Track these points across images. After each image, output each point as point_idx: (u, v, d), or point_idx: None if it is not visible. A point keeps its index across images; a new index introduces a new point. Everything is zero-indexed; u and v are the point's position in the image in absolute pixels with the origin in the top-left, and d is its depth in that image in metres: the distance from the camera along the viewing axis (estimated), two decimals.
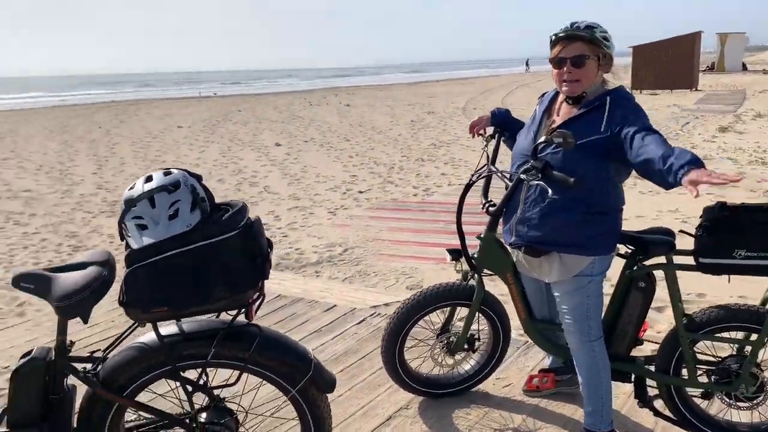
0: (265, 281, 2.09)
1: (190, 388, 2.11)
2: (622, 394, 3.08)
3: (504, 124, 3.02)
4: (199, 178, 2.01)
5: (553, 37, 2.52)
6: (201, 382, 2.11)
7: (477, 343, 3.09)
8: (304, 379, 2.13)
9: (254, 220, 2.01)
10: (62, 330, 2.01)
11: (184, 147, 15.24)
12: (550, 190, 2.47)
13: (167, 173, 1.95)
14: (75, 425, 2.14)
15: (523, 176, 2.56)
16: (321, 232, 7.19)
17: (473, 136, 3.07)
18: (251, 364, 2.08)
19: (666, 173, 2.11)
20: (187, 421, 2.15)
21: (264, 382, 2.18)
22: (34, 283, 1.93)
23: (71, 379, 2.11)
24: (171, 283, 1.87)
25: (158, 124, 20.96)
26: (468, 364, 3.18)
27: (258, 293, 2.06)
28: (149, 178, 1.93)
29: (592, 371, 2.63)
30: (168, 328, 2.08)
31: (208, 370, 2.16)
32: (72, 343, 2.09)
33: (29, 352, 2.04)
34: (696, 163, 2.05)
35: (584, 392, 2.68)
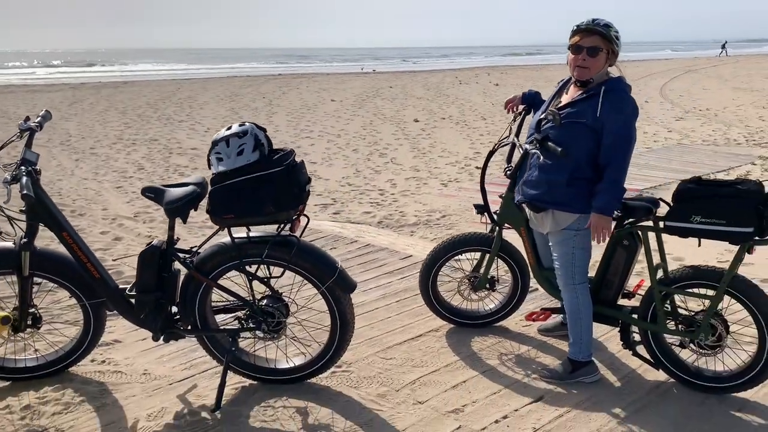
0: (308, 212, 2.91)
1: (251, 278, 3.00)
2: (615, 338, 3.57)
3: (532, 103, 3.59)
4: (264, 130, 2.87)
5: (575, 28, 3.06)
6: (260, 274, 3.00)
7: (497, 285, 3.72)
8: (330, 280, 2.94)
9: (298, 162, 2.83)
10: (171, 227, 2.98)
11: (332, 119, 16.59)
12: (542, 157, 3.05)
13: (242, 125, 2.82)
14: (178, 298, 3.12)
15: (526, 146, 3.16)
16: (428, 200, 7.94)
17: (508, 112, 3.66)
18: (292, 264, 2.93)
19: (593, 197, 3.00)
20: (251, 302, 3.05)
21: (305, 282, 3.02)
22: (153, 193, 2.91)
23: (176, 265, 3.09)
24: (236, 198, 2.76)
25: (314, 97, 22.69)
26: (492, 303, 3.83)
27: (299, 213, 2.89)
28: (229, 128, 2.81)
29: (573, 308, 3.19)
30: (239, 233, 2.98)
31: (274, 273, 3.04)
32: (178, 238, 3.06)
33: (151, 242, 3.04)
34: (602, 210, 2.97)
35: (569, 326, 3.25)
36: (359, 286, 4.50)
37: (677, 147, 11.39)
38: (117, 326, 3.88)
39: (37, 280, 3.15)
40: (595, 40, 2.96)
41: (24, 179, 2.76)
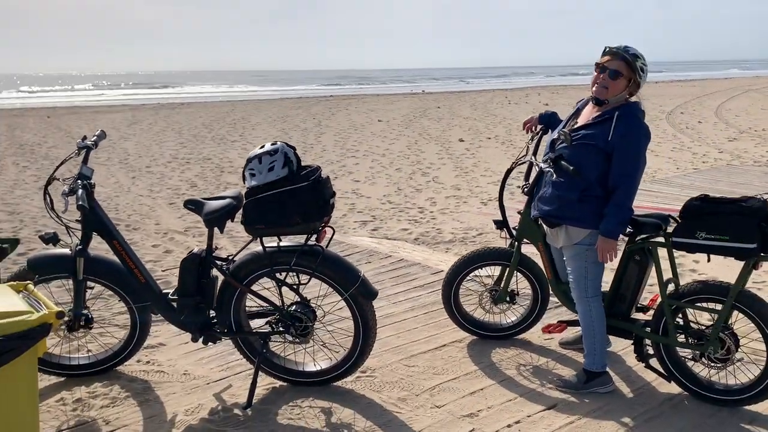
0: (332, 225, 3.15)
1: (280, 285, 3.25)
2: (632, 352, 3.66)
3: (549, 123, 3.75)
4: (293, 148, 3.13)
5: (607, 49, 3.22)
6: (289, 281, 3.24)
7: (517, 298, 3.86)
8: (353, 287, 3.16)
9: (324, 178, 3.08)
10: (210, 237, 3.26)
11: (377, 139, 16.93)
12: (555, 175, 3.21)
13: (273, 144, 3.09)
14: (215, 302, 3.39)
15: (541, 164, 3.33)
16: (466, 218, 8.10)
17: (526, 132, 3.82)
18: (317, 272, 3.16)
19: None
20: (280, 307, 3.29)
21: (330, 289, 3.25)
22: (194, 205, 3.20)
23: (214, 272, 3.36)
24: (266, 210, 3.01)
25: (362, 118, 23.13)
26: (513, 315, 3.97)
27: (324, 225, 3.12)
28: (262, 146, 3.08)
29: (586, 321, 3.32)
30: (270, 243, 3.23)
31: (302, 280, 3.28)
32: (217, 247, 3.34)
33: (192, 250, 3.32)
34: (608, 233, 3.13)
35: (583, 338, 3.37)
36: (389, 299, 4.73)
37: (726, 168, 11.24)
38: (162, 331, 4.18)
39: (90, 284, 3.48)
40: (620, 66, 3.12)
41: (80, 192, 3.09)
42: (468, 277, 3.89)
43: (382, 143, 16.04)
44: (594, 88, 3.21)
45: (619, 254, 3.33)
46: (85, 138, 3.40)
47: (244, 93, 49.26)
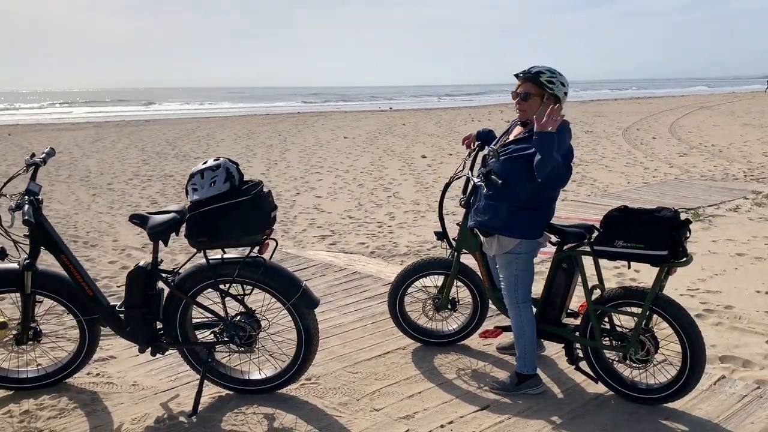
0: (279, 240, 3.28)
1: (224, 296, 3.37)
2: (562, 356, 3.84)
3: (485, 140, 3.95)
4: (236, 164, 3.26)
5: (515, 76, 3.44)
6: (235, 293, 3.36)
7: (458, 306, 4.04)
8: (294, 297, 3.29)
9: (265, 192, 3.22)
10: (155, 250, 3.37)
11: (342, 155, 17.11)
12: (485, 188, 3.41)
13: (216, 160, 3.22)
14: (161, 314, 3.48)
15: (474, 179, 3.52)
16: (422, 231, 8.29)
17: (466, 148, 4.00)
18: (260, 282, 3.29)
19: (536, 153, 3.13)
20: (225, 318, 3.41)
21: (273, 299, 3.37)
22: (139, 219, 3.31)
23: (161, 285, 3.47)
24: (208, 224, 3.14)
25: (328, 135, 23.32)
26: (455, 323, 4.14)
27: (266, 237, 3.26)
28: (205, 162, 3.21)
29: (517, 325, 3.51)
30: (213, 256, 3.35)
31: (248, 292, 3.40)
32: (161, 260, 3.45)
33: (138, 263, 3.42)
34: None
35: (515, 342, 3.55)
36: (340, 309, 4.87)
37: (674, 182, 11.64)
38: (114, 344, 4.24)
39: (39, 298, 3.55)
40: (528, 87, 3.34)
41: (26, 207, 3.18)
42: (412, 286, 4.06)
43: (347, 159, 16.22)
44: (517, 114, 3.43)
45: (548, 263, 3.52)
46: (33, 155, 3.49)
47: (211, 110, 49.12)
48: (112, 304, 3.53)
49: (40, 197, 3.38)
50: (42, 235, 3.37)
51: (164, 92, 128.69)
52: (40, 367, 3.70)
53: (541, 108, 3.25)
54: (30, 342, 3.57)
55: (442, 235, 3.93)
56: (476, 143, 3.98)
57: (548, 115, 3.10)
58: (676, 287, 5.70)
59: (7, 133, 24.49)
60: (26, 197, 3.26)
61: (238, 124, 29.75)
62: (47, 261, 4.37)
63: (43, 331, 3.66)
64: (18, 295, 3.46)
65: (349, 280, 5.64)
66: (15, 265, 3.43)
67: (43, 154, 3.53)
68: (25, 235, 3.41)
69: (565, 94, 3.37)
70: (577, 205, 9.58)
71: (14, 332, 3.52)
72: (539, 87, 3.33)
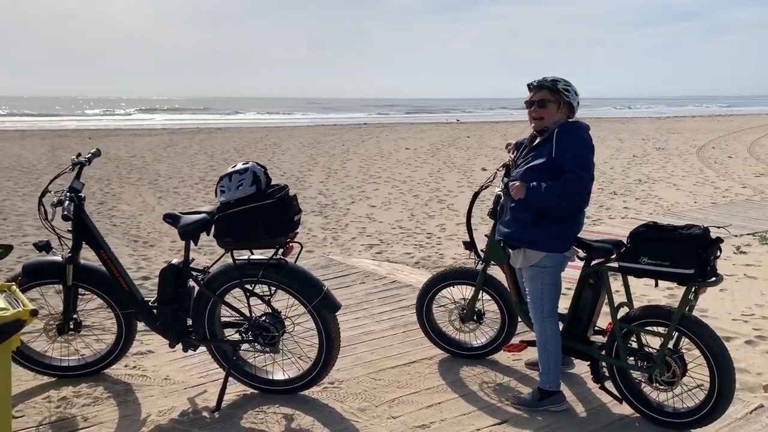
0: (299, 242, 3.36)
1: (249, 296, 3.46)
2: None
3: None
4: (264, 168, 3.36)
5: (528, 86, 3.42)
6: (260, 293, 3.45)
7: (483, 318, 3.99)
8: (316, 300, 3.35)
9: (290, 196, 3.30)
10: (186, 248, 3.50)
11: (401, 166, 17.18)
12: (503, 198, 3.40)
13: (245, 163, 3.33)
14: (191, 311, 3.61)
15: (496, 190, 3.51)
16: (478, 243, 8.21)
17: (509, 153, 3.94)
18: (283, 284, 3.37)
19: None
20: (251, 317, 3.50)
21: (295, 301, 3.44)
22: (172, 219, 3.45)
23: (192, 283, 3.59)
24: (234, 225, 3.24)
25: (390, 145, 23.46)
26: (484, 336, 4.10)
27: (290, 240, 3.33)
28: (234, 166, 3.33)
29: (542, 340, 3.44)
30: (240, 256, 3.45)
31: (273, 293, 3.49)
32: (193, 259, 3.58)
33: (170, 262, 3.57)
34: (526, 186, 3.23)
35: (539, 357, 3.49)
36: (374, 317, 4.90)
37: (744, 203, 11.12)
38: (154, 339, 4.42)
39: (82, 291, 3.74)
40: (544, 94, 3.31)
41: (66, 203, 3.37)
42: (440, 295, 4.05)
43: (406, 170, 16.28)
44: (532, 124, 3.39)
45: (576, 279, 3.45)
46: (79, 155, 3.69)
47: (281, 119, 50.31)
48: (146, 299, 3.69)
49: (82, 194, 3.57)
50: (83, 230, 3.56)
51: (242, 102, 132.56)
52: (81, 356, 3.90)
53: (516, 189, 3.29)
54: (71, 332, 3.76)
55: (470, 245, 3.91)
56: (515, 153, 3.94)
57: (513, 189, 3.27)
58: (729, 311, 5.46)
59: (87, 137, 25.84)
60: (68, 194, 3.45)
61: (305, 133, 30.35)
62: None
63: (83, 323, 3.85)
64: (61, 286, 3.66)
65: (387, 288, 5.66)
66: (59, 258, 3.63)
67: (89, 155, 3.73)
68: (68, 231, 3.61)
69: (578, 104, 3.34)
70: (637, 222, 9.27)
71: (55, 322, 3.71)
72: (556, 94, 3.30)
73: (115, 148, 21.25)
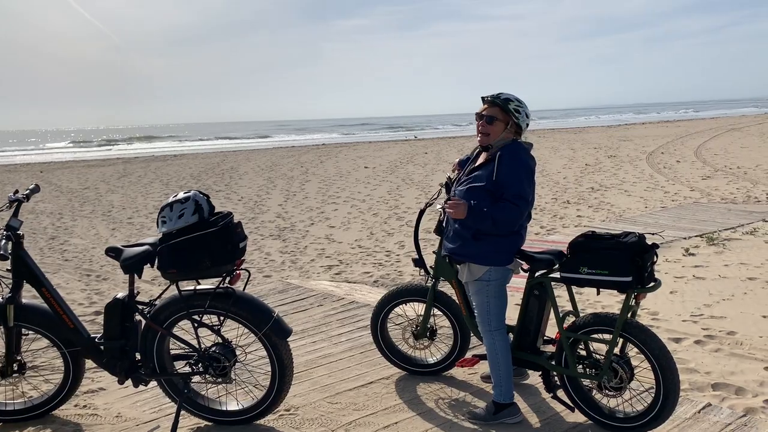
0: (246, 269, 3.33)
1: (197, 326, 3.41)
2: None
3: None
4: (207, 196, 3.34)
5: (482, 98, 3.47)
6: (209, 323, 3.41)
7: (436, 335, 4.01)
8: (266, 327, 3.32)
9: (234, 223, 3.27)
10: (131, 283, 3.44)
11: (361, 185, 17.23)
12: (444, 215, 3.44)
13: (186, 192, 3.30)
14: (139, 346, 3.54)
15: (437, 206, 3.55)
16: (430, 260, 8.26)
17: (453, 172, 3.99)
18: (231, 313, 3.33)
19: None
20: (200, 348, 3.45)
21: (246, 330, 3.41)
22: (114, 252, 3.39)
23: (137, 317, 3.53)
24: (178, 255, 3.20)
25: (349, 165, 23.52)
26: (439, 353, 4.11)
27: (236, 268, 3.30)
28: (175, 195, 3.29)
29: (491, 353, 3.47)
30: (186, 287, 3.41)
31: (222, 323, 3.44)
32: (138, 292, 3.52)
33: (116, 296, 3.50)
34: (467, 204, 3.25)
35: (490, 370, 3.51)
36: (331, 339, 4.87)
37: (693, 205, 11.44)
38: (105, 376, 4.31)
39: (25, 331, 3.64)
40: (494, 111, 3.37)
41: (3, 242, 3.28)
42: (394, 312, 4.06)
43: (365, 189, 16.32)
44: (478, 138, 3.45)
45: (522, 289, 3.50)
46: (17, 191, 3.61)
47: (238, 144, 49.96)
48: (92, 335, 3.61)
49: (20, 232, 3.48)
50: (23, 269, 3.48)
51: (187, 128, 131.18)
52: (28, 399, 3.78)
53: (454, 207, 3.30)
54: (15, 374, 3.64)
55: (419, 263, 3.94)
56: (458, 170, 3.99)
57: (450, 207, 3.28)
58: (679, 313, 5.59)
59: (39, 171, 25.26)
60: (4, 232, 3.37)
61: (262, 156, 30.19)
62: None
63: (28, 364, 3.74)
64: (1, 327, 3.55)
65: (345, 309, 5.65)
66: None
67: (27, 191, 3.65)
68: (7, 270, 3.51)
69: (527, 125, 3.39)
70: (589, 230, 9.47)
71: None
72: (506, 114, 3.35)
73: (68, 180, 20.81)
